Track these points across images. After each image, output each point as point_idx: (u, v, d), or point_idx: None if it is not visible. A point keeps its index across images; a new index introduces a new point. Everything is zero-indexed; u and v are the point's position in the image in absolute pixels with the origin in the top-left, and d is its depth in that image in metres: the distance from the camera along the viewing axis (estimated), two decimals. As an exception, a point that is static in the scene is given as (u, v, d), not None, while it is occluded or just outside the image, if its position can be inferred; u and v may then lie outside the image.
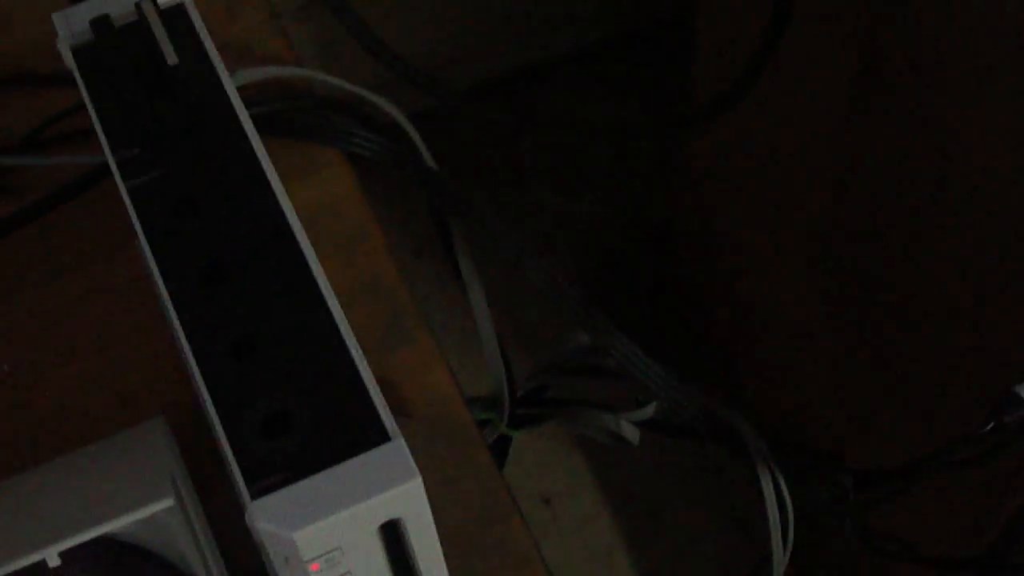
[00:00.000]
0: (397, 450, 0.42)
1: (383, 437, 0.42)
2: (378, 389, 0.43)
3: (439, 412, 0.69)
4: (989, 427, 0.68)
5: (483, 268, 0.88)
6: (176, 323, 0.46)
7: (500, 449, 1.10)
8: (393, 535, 0.45)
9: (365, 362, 0.44)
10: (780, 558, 0.86)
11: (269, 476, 0.42)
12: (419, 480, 0.42)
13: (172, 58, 0.51)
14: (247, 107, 0.52)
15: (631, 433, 0.96)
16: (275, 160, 0.50)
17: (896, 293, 1.08)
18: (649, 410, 0.95)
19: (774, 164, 1.27)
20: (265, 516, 0.41)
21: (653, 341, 0.97)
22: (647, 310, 1.75)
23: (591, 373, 1.00)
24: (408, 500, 0.42)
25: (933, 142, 0.94)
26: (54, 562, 0.55)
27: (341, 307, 0.46)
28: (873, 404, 1.18)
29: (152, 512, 0.54)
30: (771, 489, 0.83)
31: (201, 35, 0.53)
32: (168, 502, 0.54)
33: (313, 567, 0.43)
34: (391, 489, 0.41)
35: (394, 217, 1.62)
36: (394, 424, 0.42)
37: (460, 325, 1.68)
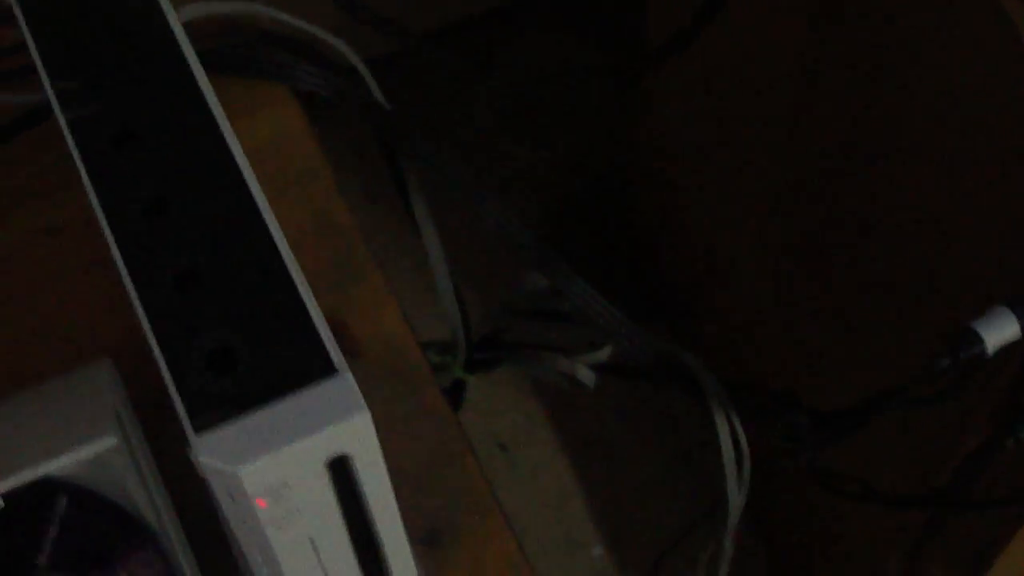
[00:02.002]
0: (344, 383, 0.41)
1: (330, 370, 0.41)
2: (325, 322, 0.43)
3: (390, 352, 0.68)
4: (945, 364, 0.68)
5: (438, 211, 0.87)
6: (118, 257, 0.45)
7: (456, 393, 1.09)
8: (342, 473, 0.44)
9: (312, 295, 0.43)
10: (736, 499, 0.85)
11: (213, 411, 0.41)
12: (367, 414, 0.41)
13: (113, -13, 0.50)
14: (193, 42, 0.51)
15: (587, 376, 0.96)
16: (222, 97, 0.49)
17: (850, 232, 1.08)
18: (604, 353, 0.95)
19: (730, 106, 1.27)
20: (209, 451, 0.40)
21: (610, 285, 0.96)
22: (604, 254, 1.74)
23: (547, 316, 1.00)
24: (356, 435, 0.41)
25: (889, 80, 0.94)
26: (-3, 504, 0.54)
27: (288, 243, 0.45)
28: (829, 344, 1.18)
29: (96, 452, 0.53)
30: (726, 430, 0.83)
31: (143, -36, 0.52)
32: (111, 441, 0.53)
33: (260, 503, 0.42)
34: (338, 423, 0.40)
35: (348, 163, 1.61)
36: (341, 357, 0.41)
37: (416, 271, 1.66)
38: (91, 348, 0.69)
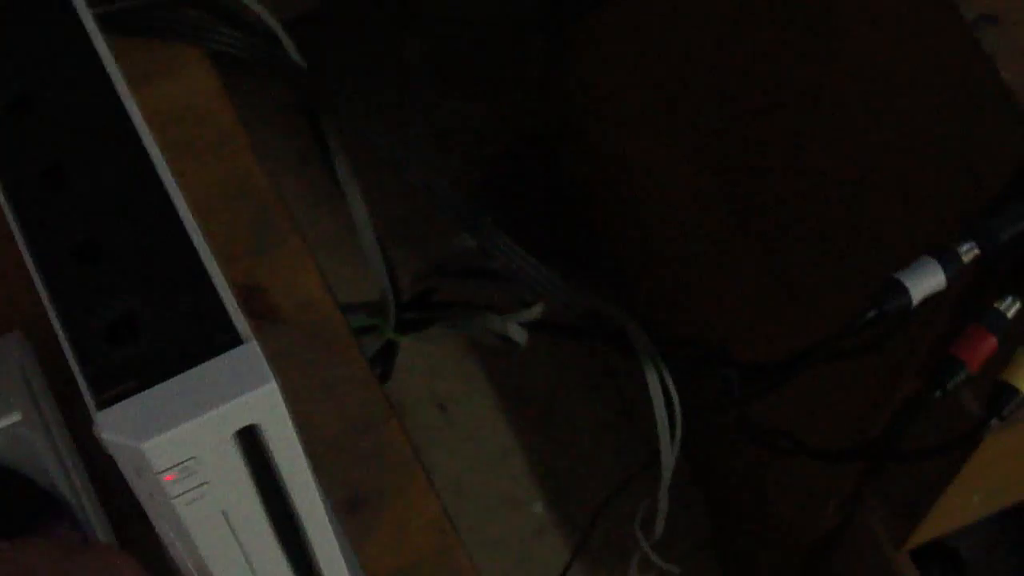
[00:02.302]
0: (250, 354, 0.40)
1: (235, 340, 0.40)
2: (230, 291, 0.41)
3: (312, 317, 0.67)
4: (871, 315, 0.68)
5: (365, 172, 0.86)
6: (16, 229, 0.44)
7: (388, 354, 1.08)
8: (253, 443, 0.43)
9: (215, 264, 0.42)
10: (668, 453, 0.85)
11: (116, 384, 0.40)
12: (273, 384, 0.40)
13: (5, -52, 0.48)
14: (107, 2, 0.50)
15: (518, 334, 0.95)
16: (134, 60, 0.48)
17: (783, 187, 1.07)
18: (536, 311, 0.94)
19: (659, 58, 1.26)
20: (112, 427, 0.39)
21: (542, 242, 0.96)
22: (535, 211, 1.73)
23: (478, 275, 0.99)
24: (263, 405, 0.40)
25: (819, 32, 0.93)
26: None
27: (203, 210, 0.44)
28: (759, 299, 1.18)
29: (3, 425, 0.52)
30: (658, 385, 0.83)
31: (39, -76, 0.50)
32: (17, 415, 0.52)
33: (167, 478, 0.41)
34: (244, 394, 0.39)
35: (276, 125, 1.59)
36: (246, 326, 0.40)
37: (347, 234, 1.65)
38: (6, 323, 0.68)
